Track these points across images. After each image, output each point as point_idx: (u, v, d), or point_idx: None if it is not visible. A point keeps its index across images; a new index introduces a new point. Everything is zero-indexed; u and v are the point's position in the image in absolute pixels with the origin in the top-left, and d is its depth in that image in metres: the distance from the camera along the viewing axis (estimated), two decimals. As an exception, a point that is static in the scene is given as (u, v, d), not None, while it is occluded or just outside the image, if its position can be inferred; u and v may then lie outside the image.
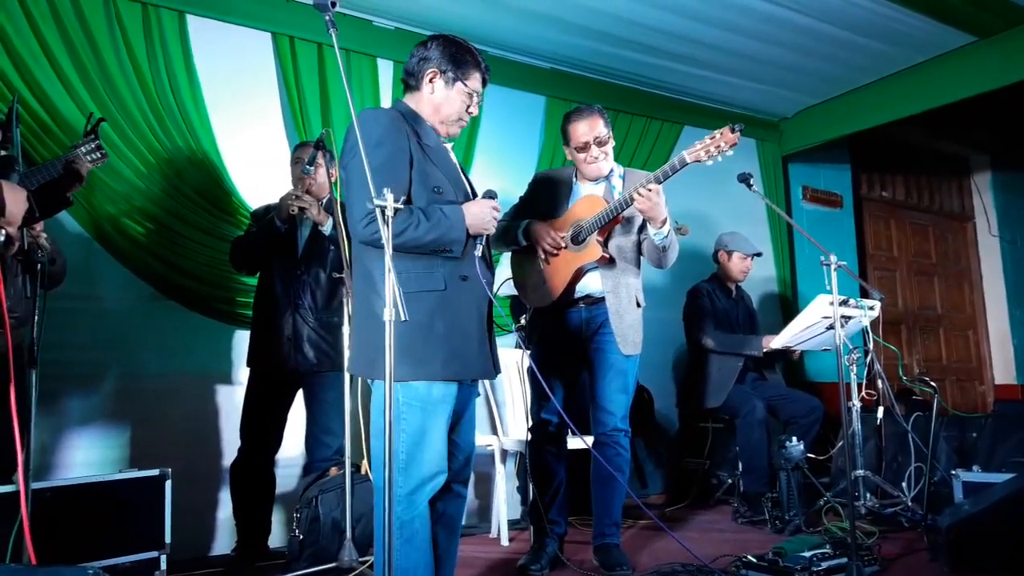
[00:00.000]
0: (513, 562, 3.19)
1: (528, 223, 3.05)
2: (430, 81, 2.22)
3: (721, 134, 2.61)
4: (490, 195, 2.21)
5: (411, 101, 2.25)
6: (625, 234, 3.05)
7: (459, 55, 2.23)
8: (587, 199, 3.00)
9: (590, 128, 3.00)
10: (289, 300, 3.19)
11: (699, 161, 2.65)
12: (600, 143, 3.00)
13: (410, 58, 2.25)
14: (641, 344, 3.07)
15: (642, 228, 3.03)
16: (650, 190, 2.70)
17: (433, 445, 2.06)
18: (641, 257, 3.13)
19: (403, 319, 1.72)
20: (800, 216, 5.94)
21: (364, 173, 1.86)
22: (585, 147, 3.01)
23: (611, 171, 3.11)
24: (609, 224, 2.91)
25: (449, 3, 4.02)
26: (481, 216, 2.15)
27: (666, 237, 2.87)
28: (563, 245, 2.98)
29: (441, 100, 2.22)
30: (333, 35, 1.87)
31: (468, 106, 2.25)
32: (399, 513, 2.01)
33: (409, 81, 2.25)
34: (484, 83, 2.29)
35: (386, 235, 1.76)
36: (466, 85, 2.22)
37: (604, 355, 3.04)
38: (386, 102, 4.17)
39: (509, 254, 3.27)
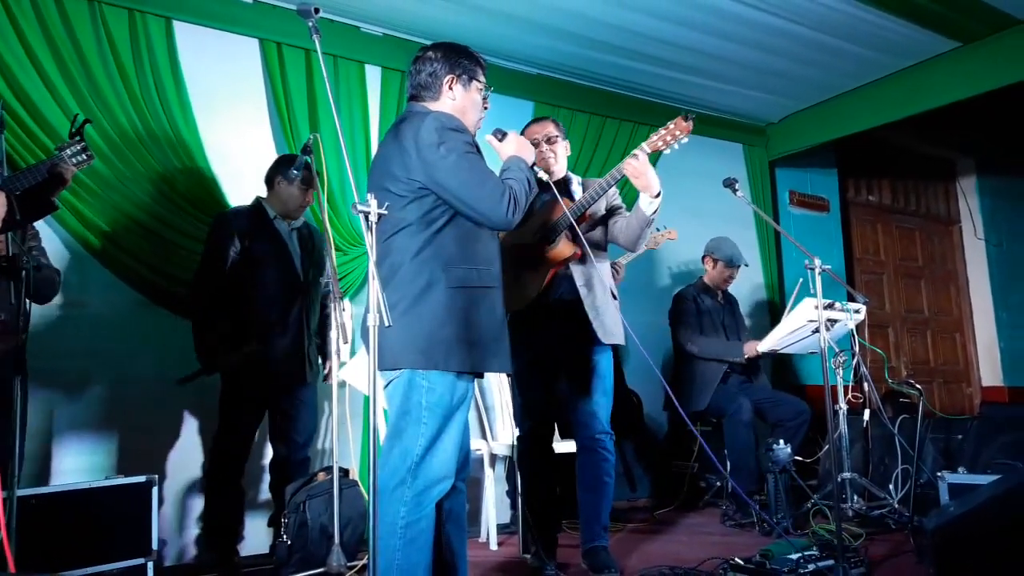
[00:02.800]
0: (503, 565, 3.19)
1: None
2: (450, 88, 2.27)
3: (675, 123, 2.72)
4: (502, 131, 2.40)
5: (434, 109, 2.27)
6: (597, 230, 3.10)
7: (465, 55, 2.30)
8: (552, 201, 3.04)
9: (541, 128, 3.16)
10: (298, 319, 3.25)
11: (658, 150, 2.78)
12: (549, 141, 3.13)
13: (417, 73, 2.29)
14: (623, 336, 3.07)
15: (607, 218, 3.12)
16: (637, 157, 2.78)
17: (447, 449, 2.11)
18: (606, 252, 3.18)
19: (387, 325, 1.72)
20: (787, 220, 5.96)
21: (475, 166, 2.10)
22: (535, 145, 3.11)
23: (570, 178, 3.18)
24: (577, 220, 2.95)
25: (437, 9, 4.03)
26: (527, 146, 2.36)
27: (655, 212, 2.92)
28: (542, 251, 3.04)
29: (464, 104, 2.28)
30: (316, 41, 1.88)
31: (484, 101, 2.34)
32: (405, 514, 2.04)
33: (424, 95, 2.29)
34: (485, 76, 2.36)
35: (370, 241, 1.76)
36: (480, 82, 2.31)
37: (583, 359, 3.05)
38: (374, 108, 4.17)
39: None
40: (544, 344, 3.08)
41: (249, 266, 3.19)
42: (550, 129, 3.15)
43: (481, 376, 2.31)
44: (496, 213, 2.11)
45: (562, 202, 2.78)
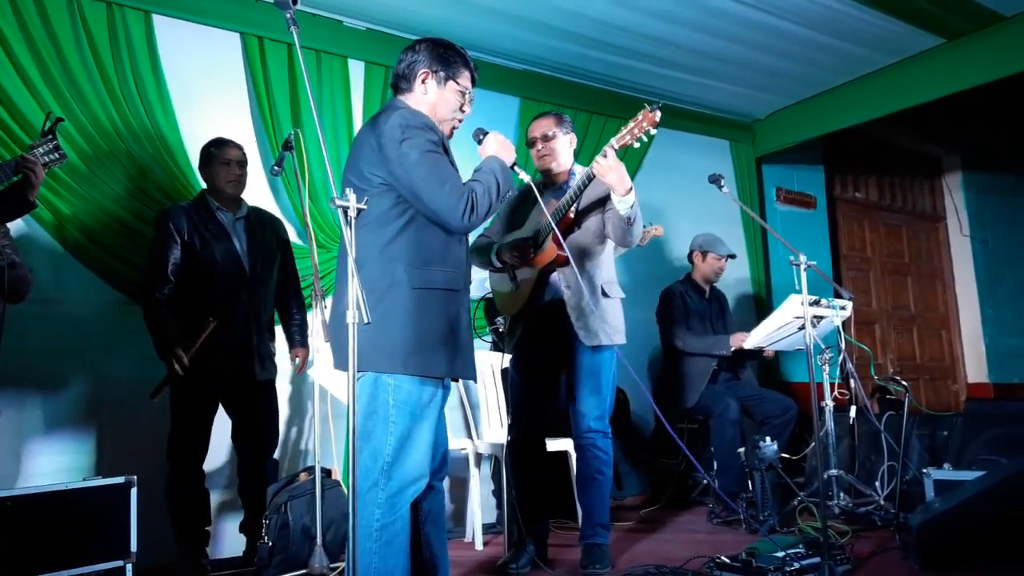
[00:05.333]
0: (488, 565, 3.17)
1: (498, 246, 3.12)
2: (423, 82, 2.23)
3: (642, 115, 2.67)
4: (483, 131, 2.38)
5: (408, 103, 2.25)
6: (583, 229, 3.05)
7: (447, 55, 2.26)
8: (545, 203, 3.02)
9: (538, 126, 3.16)
10: (245, 311, 3.17)
11: (627, 145, 2.73)
12: (545, 139, 3.12)
13: (399, 63, 2.27)
14: (616, 334, 3.04)
15: (602, 204, 3.02)
16: (605, 155, 2.73)
17: (419, 448, 2.07)
18: (604, 247, 3.11)
19: (366, 322, 1.69)
20: (774, 217, 5.96)
21: (435, 165, 2.05)
22: (533, 143, 3.16)
23: (573, 173, 3.14)
24: (560, 223, 2.93)
25: (421, 4, 3.99)
26: (507, 146, 2.33)
27: (631, 208, 2.84)
28: (530, 256, 3.00)
29: (435, 100, 2.24)
30: (294, 33, 1.85)
31: (461, 104, 2.29)
32: (380, 516, 2.01)
33: (401, 84, 2.27)
34: (473, 82, 2.32)
35: (349, 237, 1.73)
36: (457, 83, 2.26)
37: (574, 356, 3.05)
38: (357, 103, 4.13)
39: None
40: (535, 347, 3.11)
41: (191, 262, 3.11)
42: (546, 125, 3.13)
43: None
44: (452, 215, 2.06)
45: (542, 206, 2.71)
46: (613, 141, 2.73)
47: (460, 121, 2.32)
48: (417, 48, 2.26)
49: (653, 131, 2.68)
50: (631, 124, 2.69)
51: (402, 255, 2.08)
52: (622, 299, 3.14)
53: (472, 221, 2.09)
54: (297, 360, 3.41)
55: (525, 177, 2.43)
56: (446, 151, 2.17)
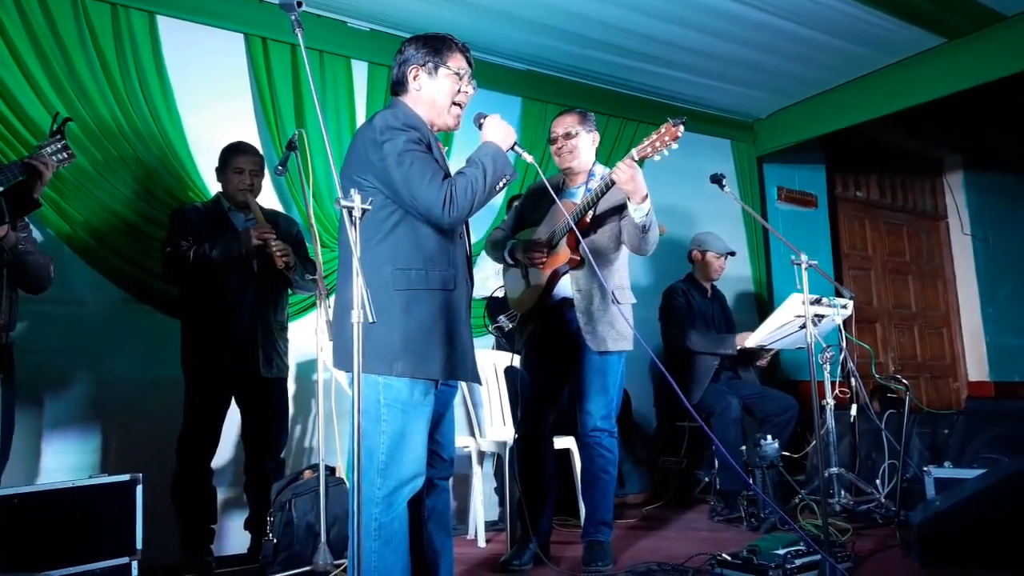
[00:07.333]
0: (490, 562, 3.19)
1: (512, 244, 3.14)
2: (414, 79, 2.23)
3: (666, 128, 2.66)
4: (483, 115, 2.32)
5: (407, 103, 2.26)
6: (599, 233, 3.07)
7: (432, 44, 2.25)
8: (562, 204, 3.04)
9: (561, 123, 3.15)
10: (250, 308, 3.19)
11: (647, 157, 2.72)
12: (567, 136, 3.11)
13: (393, 69, 2.28)
14: (623, 341, 3.06)
15: (619, 210, 3.02)
16: (628, 164, 2.73)
17: (413, 447, 2.06)
18: (619, 253, 3.13)
19: (371, 321, 1.70)
20: (775, 216, 5.98)
21: (414, 162, 2.05)
22: (554, 140, 3.16)
23: (592, 174, 3.14)
24: (577, 225, 2.93)
25: (424, 4, 4.01)
26: (504, 129, 2.26)
27: (646, 215, 2.86)
28: (542, 260, 3.02)
29: (431, 92, 2.23)
30: (299, 35, 1.86)
31: (459, 88, 2.26)
32: (377, 515, 2.01)
33: (398, 89, 2.28)
34: (469, 63, 2.29)
35: (353, 237, 1.74)
36: (448, 67, 2.23)
37: (581, 356, 3.07)
38: (361, 103, 4.15)
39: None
40: (544, 347, 3.13)
41: (200, 259, 3.13)
42: (569, 123, 3.12)
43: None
44: (433, 211, 2.05)
45: (560, 205, 2.72)
46: (634, 152, 2.72)
47: (464, 104, 2.30)
48: (403, 49, 2.26)
49: (674, 146, 2.66)
50: (653, 136, 2.68)
51: (389, 257, 2.08)
52: (633, 304, 3.15)
53: (454, 216, 2.07)
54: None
55: (528, 158, 2.36)
56: (430, 148, 2.16)
